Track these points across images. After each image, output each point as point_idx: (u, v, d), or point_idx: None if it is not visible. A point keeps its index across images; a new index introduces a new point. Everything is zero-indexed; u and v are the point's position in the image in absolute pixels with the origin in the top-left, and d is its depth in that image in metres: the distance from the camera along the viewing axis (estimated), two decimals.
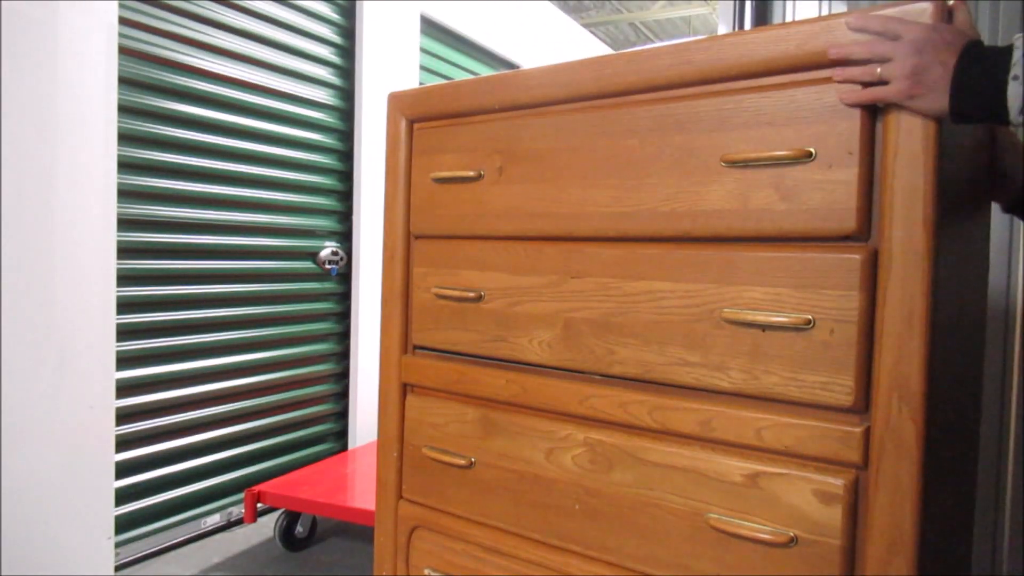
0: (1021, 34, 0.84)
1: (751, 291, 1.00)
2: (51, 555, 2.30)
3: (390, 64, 3.78)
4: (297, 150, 3.37)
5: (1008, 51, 0.82)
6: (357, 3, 3.62)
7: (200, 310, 2.94)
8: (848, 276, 0.93)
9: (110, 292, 2.48)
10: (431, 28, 4.27)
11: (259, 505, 2.75)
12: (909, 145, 0.89)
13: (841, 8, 2.09)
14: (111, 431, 2.51)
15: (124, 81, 2.56)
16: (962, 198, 1.05)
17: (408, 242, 1.42)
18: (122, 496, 2.66)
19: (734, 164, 1.01)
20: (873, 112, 0.92)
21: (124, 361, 2.61)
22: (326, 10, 3.50)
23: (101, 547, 2.49)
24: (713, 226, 1.03)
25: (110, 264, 2.48)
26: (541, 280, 1.21)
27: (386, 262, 1.45)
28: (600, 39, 7.24)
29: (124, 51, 2.56)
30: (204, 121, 2.91)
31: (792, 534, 0.96)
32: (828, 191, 0.94)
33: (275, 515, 2.98)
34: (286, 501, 2.70)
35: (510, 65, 5.15)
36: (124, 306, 2.61)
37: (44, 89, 2.22)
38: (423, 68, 4.19)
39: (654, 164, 1.09)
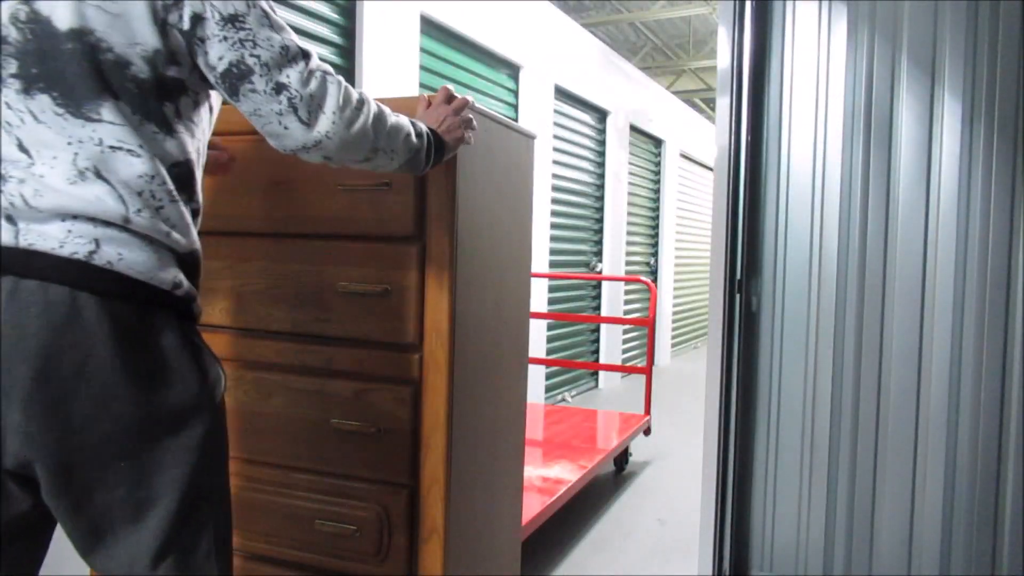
0: None
1: (356, 271, 1.52)
2: (51, 555, 2.26)
3: (390, 64, 3.76)
4: None
5: None
6: (357, 3, 3.58)
7: None
8: (410, 261, 1.48)
9: None
10: (431, 28, 4.25)
11: None
12: (438, 181, 1.46)
13: (841, 8, 2.12)
14: None
15: None
16: (496, 195, 1.65)
17: None
18: None
19: (346, 188, 1.52)
20: None
21: None
22: (326, 10, 3.46)
23: None
24: (334, 228, 1.55)
25: None
26: (220, 263, 1.65)
27: None
28: (600, 39, 7.06)
29: None
30: None
31: (381, 427, 1.51)
32: (399, 209, 1.49)
33: None
34: None
35: (510, 65, 5.09)
36: None
37: None
38: (423, 68, 4.16)
39: (297, 184, 1.57)
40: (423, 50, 4.20)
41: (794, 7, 2.16)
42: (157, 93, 1.03)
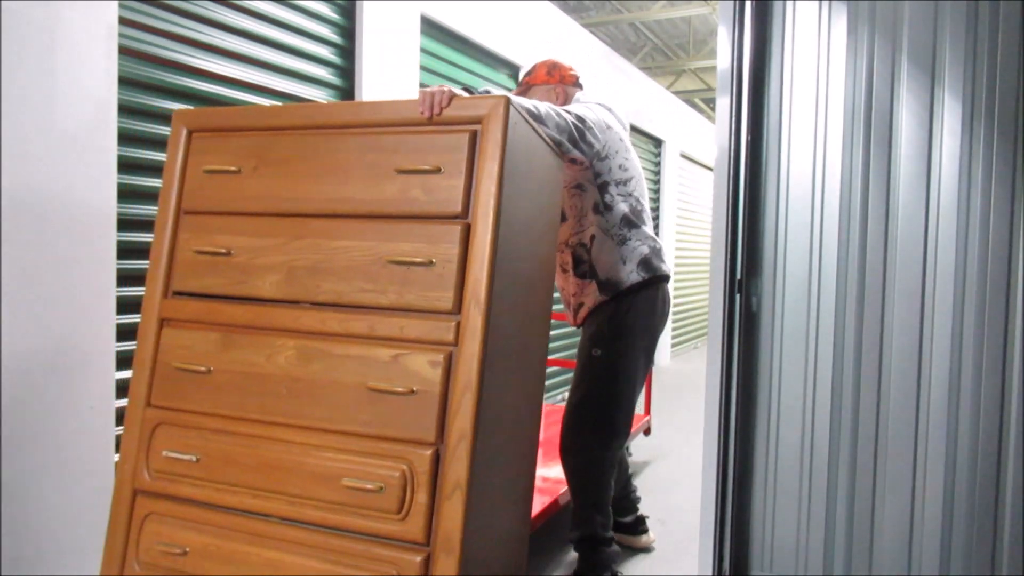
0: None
1: (403, 245, 1.68)
2: (51, 556, 2.26)
3: (390, 64, 3.78)
4: None
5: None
6: (357, 3, 3.61)
7: None
8: (455, 236, 1.65)
9: (110, 292, 2.48)
10: (431, 28, 4.26)
11: None
12: (487, 169, 1.65)
13: (841, 8, 2.17)
14: (111, 431, 2.50)
15: (124, 81, 2.55)
16: (531, 198, 1.84)
17: (178, 216, 1.93)
18: None
19: (400, 172, 1.71)
20: (473, 149, 1.67)
21: (124, 362, 2.57)
22: (326, 10, 3.48)
23: (102, 547, 2.38)
24: (386, 208, 1.72)
25: (110, 264, 2.48)
26: (275, 241, 1.80)
27: (158, 231, 1.94)
28: (600, 39, 7.03)
29: (124, 51, 2.54)
30: None
31: (414, 388, 1.62)
32: (449, 191, 1.67)
33: None
34: None
35: (510, 65, 5.12)
36: (124, 306, 2.58)
37: (44, 89, 2.22)
38: (423, 68, 4.16)
39: (355, 170, 1.76)
40: (423, 50, 4.20)
41: (794, 7, 2.20)
42: None
